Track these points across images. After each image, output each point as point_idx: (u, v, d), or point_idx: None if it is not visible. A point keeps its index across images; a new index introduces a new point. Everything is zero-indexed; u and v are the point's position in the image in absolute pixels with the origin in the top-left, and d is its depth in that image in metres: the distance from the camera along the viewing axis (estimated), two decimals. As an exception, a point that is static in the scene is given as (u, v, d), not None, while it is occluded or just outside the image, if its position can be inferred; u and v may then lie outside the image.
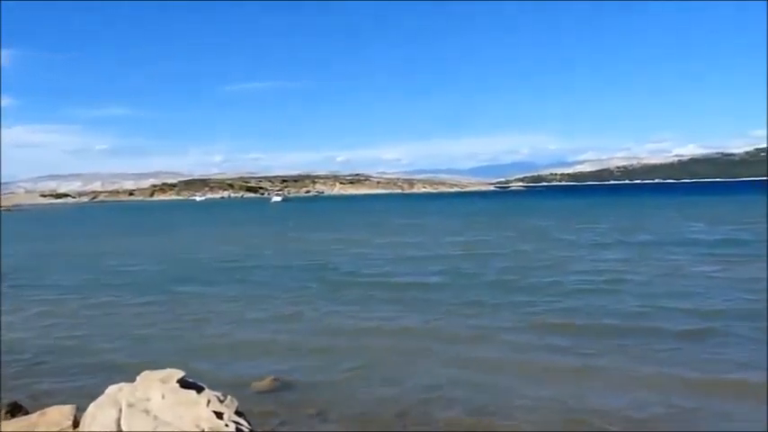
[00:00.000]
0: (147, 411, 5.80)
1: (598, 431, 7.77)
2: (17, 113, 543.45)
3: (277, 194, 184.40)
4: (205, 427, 5.68)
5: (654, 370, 9.80)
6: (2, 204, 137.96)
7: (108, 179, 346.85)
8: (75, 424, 6.23)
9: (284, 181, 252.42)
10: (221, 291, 18.48)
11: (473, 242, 32.19)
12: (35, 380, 10.03)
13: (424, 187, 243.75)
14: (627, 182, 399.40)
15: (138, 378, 6.24)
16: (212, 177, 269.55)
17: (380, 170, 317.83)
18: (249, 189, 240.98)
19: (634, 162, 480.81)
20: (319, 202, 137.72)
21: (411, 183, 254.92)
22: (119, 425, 5.74)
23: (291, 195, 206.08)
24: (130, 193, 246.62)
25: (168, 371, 6.30)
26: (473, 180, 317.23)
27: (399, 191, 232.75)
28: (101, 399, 6.05)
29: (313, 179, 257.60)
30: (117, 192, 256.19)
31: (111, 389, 6.13)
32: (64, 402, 6.90)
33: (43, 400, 7.89)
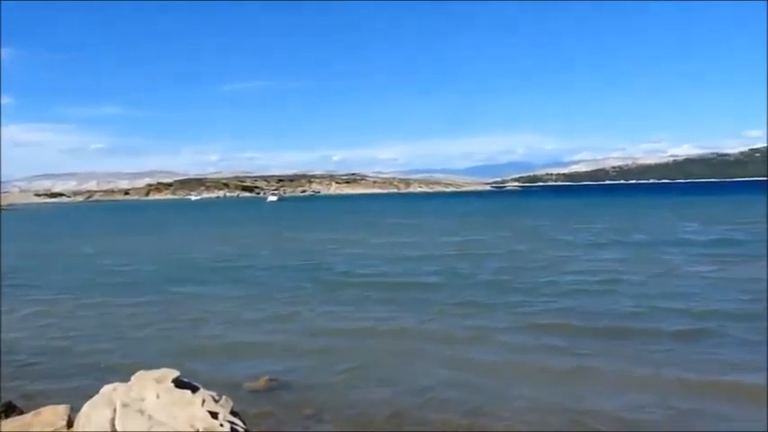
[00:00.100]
0: (141, 411, 5.79)
1: (593, 432, 7.79)
2: (12, 112, 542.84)
3: (273, 194, 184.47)
4: (200, 426, 5.67)
5: (649, 371, 9.78)
6: (0, 203, 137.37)
7: (103, 178, 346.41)
8: (70, 424, 6.21)
9: (280, 180, 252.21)
10: (216, 291, 18.44)
11: (469, 242, 32.20)
12: (29, 380, 9.99)
13: (420, 187, 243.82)
14: (622, 182, 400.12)
15: (132, 378, 6.22)
16: (208, 177, 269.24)
17: (376, 170, 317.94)
18: (245, 188, 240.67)
19: (629, 162, 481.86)
20: (315, 202, 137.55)
21: (407, 182, 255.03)
22: (113, 425, 5.72)
23: (287, 195, 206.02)
24: (126, 193, 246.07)
25: (163, 370, 6.29)
26: (469, 180, 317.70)
27: (395, 190, 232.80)
28: (95, 398, 6.04)
29: (309, 178, 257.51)
30: (112, 191, 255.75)
31: (106, 388, 6.12)
32: (58, 403, 6.88)
33: (38, 401, 7.85)
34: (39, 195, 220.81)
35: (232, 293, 17.87)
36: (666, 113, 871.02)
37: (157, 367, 6.38)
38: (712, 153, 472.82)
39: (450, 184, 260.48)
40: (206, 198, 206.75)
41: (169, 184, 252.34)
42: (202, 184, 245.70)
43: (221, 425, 5.71)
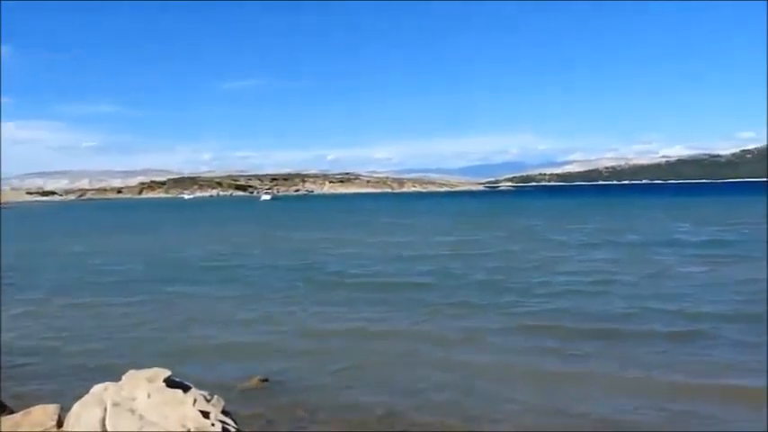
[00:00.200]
0: (132, 411, 5.76)
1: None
2: (4, 110, 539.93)
3: (266, 193, 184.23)
4: (191, 426, 5.64)
5: (642, 373, 9.78)
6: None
7: (95, 177, 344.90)
8: (60, 423, 6.17)
9: (274, 179, 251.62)
10: (209, 291, 18.39)
11: (462, 242, 32.23)
12: (20, 380, 9.92)
13: (414, 187, 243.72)
14: (615, 182, 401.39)
15: (123, 377, 6.19)
16: (201, 175, 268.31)
17: (370, 169, 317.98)
18: (238, 187, 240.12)
19: (622, 163, 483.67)
20: (309, 201, 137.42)
21: (401, 182, 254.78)
22: (104, 424, 5.69)
23: (281, 194, 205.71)
24: (118, 191, 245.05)
25: (154, 370, 6.26)
26: (463, 180, 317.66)
27: (389, 190, 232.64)
28: (86, 398, 6.00)
29: (303, 178, 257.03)
30: (104, 189, 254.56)
31: (97, 388, 6.08)
32: (49, 403, 6.83)
33: (28, 401, 7.80)
34: (31, 194, 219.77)
35: (225, 293, 17.81)
36: (659, 114, 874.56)
37: (149, 367, 6.35)
38: (704, 154, 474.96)
39: (444, 184, 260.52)
40: (199, 197, 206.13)
41: (162, 183, 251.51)
42: (196, 183, 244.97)
43: (213, 424, 5.69)
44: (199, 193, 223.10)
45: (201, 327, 13.78)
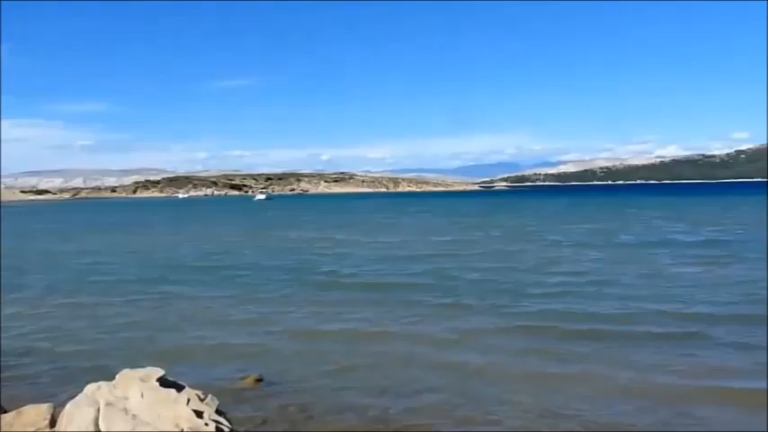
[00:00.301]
0: (125, 410, 5.74)
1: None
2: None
3: (261, 192, 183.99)
4: (184, 426, 5.62)
5: (636, 375, 9.74)
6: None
7: (90, 176, 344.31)
8: (53, 423, 6.15)
9: (269, 179, 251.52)
10: (202, 291, 18.31)
11: (457, 242, 32.24)
12: (12, 381, 9.84)
13: (409, 186, 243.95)
14: (610, 182, 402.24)
15: (116, 377, 6.16)
16: (196, 175, 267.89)
17: (365, 169, 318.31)
18: (233, 187, 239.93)
19: (617, 163, 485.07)
20: (304, 201, 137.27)
21: (396, 182, 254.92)
22: (96, 424, 5.67)
23: (276, 193, 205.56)
24: (113, 190, 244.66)
25: (148, 369, 6.24)
26: (458, 179, 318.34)
27: (384, 190, 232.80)
28: (78, 398, 5.98)
29: (298, 177, 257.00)
30: (99, 188, 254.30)
31: (90, 387, 6.06)
32: (42, 403, 6.79)
33: (20, 401, 7.75)
34: (25, 192, 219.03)
35: (218, 293, 17.74)
36: (654, 115, 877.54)
37: (143, 367, 6.32)
38: (699, 154, 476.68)
39: (439, 184, 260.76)
40: (194, 196, 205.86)
41: (157, 182, 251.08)
42: (190, 182, 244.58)
43: (206, 424, 5.67)
44: (193, 193, 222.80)
45: (195, 327, 13.72)
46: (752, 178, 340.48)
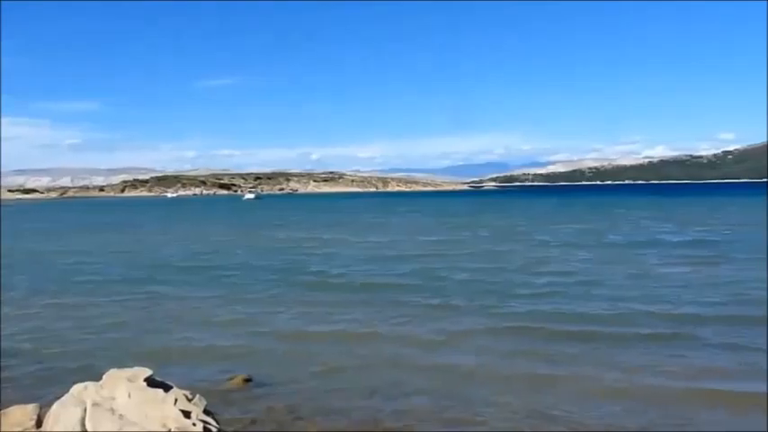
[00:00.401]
0: (112, 410, 5.72)
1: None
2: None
3: (250, 192, 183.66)
4: (172, 426, 5.61)
5: (624, 376, 9.75)
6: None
7: (78, 174, 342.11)
8: (39, 423, 6.12)
9: (258, 178, 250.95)
10: (191, 291, 18.21)
11: (446, 242, 32.27)
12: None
13: (399, 186, 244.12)
14: (598, 183, 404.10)
15: (104, 377, 6.14)
16: (185, 174, 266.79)
17: (355, 168, 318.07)
18: (222, 186, 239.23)
19: (605, 163, 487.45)
20: (293, 200, 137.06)
21: (385, 181, 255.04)
22: (83, 424, 5.64)
23: (265, 193, 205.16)
24: (101, 189, 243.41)
25: (135, 369, 6.22)
26: (447, 179, 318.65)
27: (374, 189, 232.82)
28: (65, 398, 5.95)
29: (287, 176, 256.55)
30: (87, 188, 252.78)
31: (76, 388, 6.03)
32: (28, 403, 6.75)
33: (6, 403, 7.69)
34: (11, 191, 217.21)
35: (206, 294, 17.66)
36: (642, 115, 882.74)
37: (130, 367, 6.30)
38: (686, 155, 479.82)
39: (429, 184, 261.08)
40: (183, 195, 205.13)
41: (145, 181, 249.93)
42: (179, 182, 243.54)
43: (194, 424, 5.66)
44: (182, 192, 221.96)
45: (183, 327, 13.65)
46: (738, 179, 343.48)
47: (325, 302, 16.13)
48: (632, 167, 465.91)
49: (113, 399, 5.80)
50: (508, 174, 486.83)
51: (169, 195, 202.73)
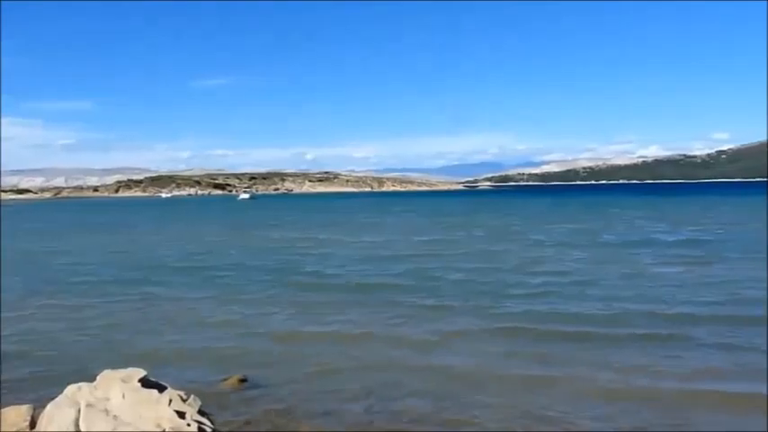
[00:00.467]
0: (106, 411, 5.72)
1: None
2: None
3: (245, 192, 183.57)
4: (166, 426, 5.61)
5: (619, 377, 9.75)
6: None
7: (71, 175, 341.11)
8: (33, 424, 6.11)
9: (252, 178, 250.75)
10: (185, 292, 18.15)
11: (440, 241, 32.30)
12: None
13: (394, 186, 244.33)
14: (592, 182, 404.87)
15: (98, 377, 6.14)
16: (179, 174, 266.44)
17: (350, 168, 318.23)
18: (217, 186, 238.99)
19: (600, 163, 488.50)
20: (288, 200, 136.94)
21: (380, 181, 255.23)
22: (77, 425, 5.64)
23: (260, 193, 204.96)
24: (95, 190, 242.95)
25: (129, 370, 6.22)
26: (442, 179, 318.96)
27: (369, 189, 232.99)
28: (59, 399, 5.94)
29: (282, 177, 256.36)
30: (81, 188, 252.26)
31: (70, 388, 6.03)
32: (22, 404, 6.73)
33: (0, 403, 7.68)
34: (5, 192, 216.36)
35: (201, 294, 17.62)
36: (636, 115, 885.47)
37: (125, 369, 6.29)
38: (680, 154, 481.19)
39: (424, 184, 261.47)
40: (177, 196, 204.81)
41: (139, 182, 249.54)
42: (174, 182, 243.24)
43: (188, 424, 5.66)
44: (177, 192, 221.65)
45: (178, 328, 13.63)
46: (732, 178, 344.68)
47: (319, 303, 16.11)
48: (626, 167, 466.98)
49: (107, 399, 5.80)
50: (503, 173, 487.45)
51: (163, 195, 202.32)
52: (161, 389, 6.07)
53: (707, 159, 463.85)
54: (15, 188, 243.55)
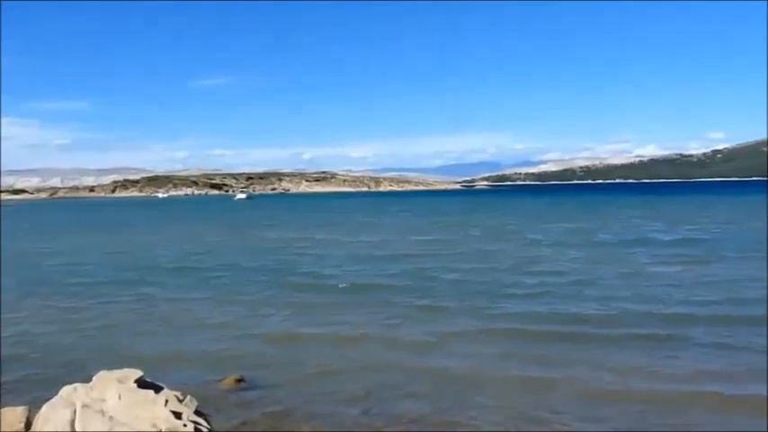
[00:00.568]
0: (102, 412, 5.70)
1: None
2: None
3: (242, 192, 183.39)
4: (162, 427, 5.60)
5: (617, 378, 9.72)
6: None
7: (67, 175, 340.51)
8: (28, 425, 6.09)
9: (249, 178, 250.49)
10: (181, 293, 18.08)
11: (438, 241, 32.29)
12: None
13: (391, 186, 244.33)
14: (590, 182, 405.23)
15: (93, 378, 6.12)
16: (176, 174, 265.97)
17: (347, 168, 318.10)
18: (213, 186, 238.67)
19: (597, 162, 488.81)
20: (285, 200, 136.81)
21: (378, 181, 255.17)
22: (73, 426, 5.62)
23: (257, 193, 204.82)
24: (91, 190, 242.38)
25: (126, 370, 6.21)
26: (439, 179, 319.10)
27: (366, 189, 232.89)
28: (54, 399, 5.93)
29: (279, 176, 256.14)
30: (77, 188, 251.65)
31: (66, 389, 6.01)
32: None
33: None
34: (0, 192, 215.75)
35: (198, 295, 17.57)
36: (633, 114, 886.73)
37: (121, 369, 6.28)
38: (676, 154, 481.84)
39: (421, 183, 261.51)
40: (174, 196, 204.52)
41: (136, 182, 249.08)
42: (170, 182, 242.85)
43: (185, 425, 5.65)
44: (173, 192, 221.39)
45: (174, 329, 13.59)
46: (728, 177, 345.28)
47: (316, 304, 16.07)
48: (623, 166, 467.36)
49: (103, 400, 5.78)
50: (500, 173, 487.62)
51: (160, 196, 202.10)
52: (157, 389, 6.06)
53: (703, 159, 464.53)
54: (11, 188, 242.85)
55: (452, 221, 49.32)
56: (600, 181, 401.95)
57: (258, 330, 13.40)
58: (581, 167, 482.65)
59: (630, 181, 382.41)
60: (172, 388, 6.21)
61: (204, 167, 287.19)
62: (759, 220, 39.95)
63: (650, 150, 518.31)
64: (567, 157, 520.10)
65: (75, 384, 6.03)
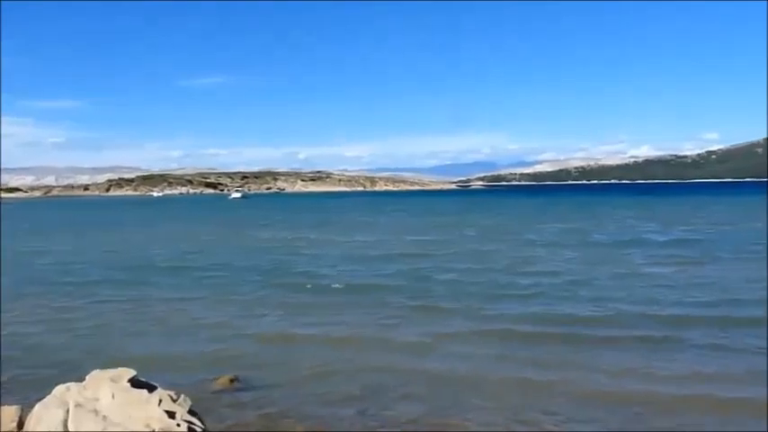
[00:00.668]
0: (95, 411, 5.66)
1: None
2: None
3: (237, 191, 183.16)
4: (156, 426, 5.56)
5: (613, 380, 9.70)
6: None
7: (62, 173, 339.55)
8: (20, 425, 6.04)
9: (244, 177, 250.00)
10: (175, 293, 18.00)
11: (433, 241, 32.28)
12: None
13: (386, 185, 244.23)
14: (584, 182, 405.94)
15: (87, 377, 6.08)
16: (171, 173, 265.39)
17: (342, 168, 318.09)
18: (208, 185, 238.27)
19: (591, 163, 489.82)
20: (280, 200, 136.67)
21: (373, 181, 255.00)
22: (65, 425, 5.58)
23: (252, 192, 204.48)
24: (85, 188, 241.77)
25: (119, 370, 6.16)
26: (434, 179, 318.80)
27: (361, 189, 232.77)
28: (47, 399, 5.88)
29: (274, 176, 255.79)
30: (71, 186, 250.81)
31: (59, 389, 5.96)
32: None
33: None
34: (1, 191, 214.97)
35: (192, 295, 17.50)
36: (627, 115, 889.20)
37: (114, 369, 6.23)
38: (671, 155, 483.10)
39: (416, 183, 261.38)
40: (169, 195, 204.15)
41: (131, 180, 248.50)
42: (165, 181, 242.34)
43: (178, 424, 5.61)
44: (168, 191, 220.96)
45: (168, 329, 13.54)
46: (722, 178, 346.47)
47: (311, 304, 16.03)
48: (618, 167, 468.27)
49: (96, 400, 5.74)
50: (495, 173, 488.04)
51: (155, 194, 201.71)
52: (151, 389, 6.02)
53: (697, 159, 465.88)
54: (5, 187, 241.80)
55: (448, 221, 49.33)
56: (595, 181, 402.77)
57: (252, 330, 13.36)
58: (576, 168, 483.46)
59: (625, 181, 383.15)
60: (165, 388, 6.17)
61: (199, 166, 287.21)
62: (753, 221, 40.12)
63: (645, 151, 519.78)
64: (561, 158, 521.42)
65: (68, 384, 5.98)
